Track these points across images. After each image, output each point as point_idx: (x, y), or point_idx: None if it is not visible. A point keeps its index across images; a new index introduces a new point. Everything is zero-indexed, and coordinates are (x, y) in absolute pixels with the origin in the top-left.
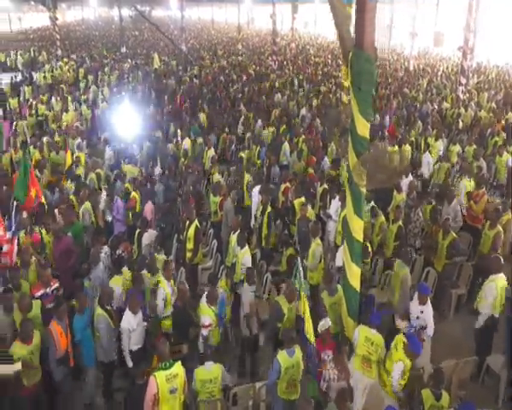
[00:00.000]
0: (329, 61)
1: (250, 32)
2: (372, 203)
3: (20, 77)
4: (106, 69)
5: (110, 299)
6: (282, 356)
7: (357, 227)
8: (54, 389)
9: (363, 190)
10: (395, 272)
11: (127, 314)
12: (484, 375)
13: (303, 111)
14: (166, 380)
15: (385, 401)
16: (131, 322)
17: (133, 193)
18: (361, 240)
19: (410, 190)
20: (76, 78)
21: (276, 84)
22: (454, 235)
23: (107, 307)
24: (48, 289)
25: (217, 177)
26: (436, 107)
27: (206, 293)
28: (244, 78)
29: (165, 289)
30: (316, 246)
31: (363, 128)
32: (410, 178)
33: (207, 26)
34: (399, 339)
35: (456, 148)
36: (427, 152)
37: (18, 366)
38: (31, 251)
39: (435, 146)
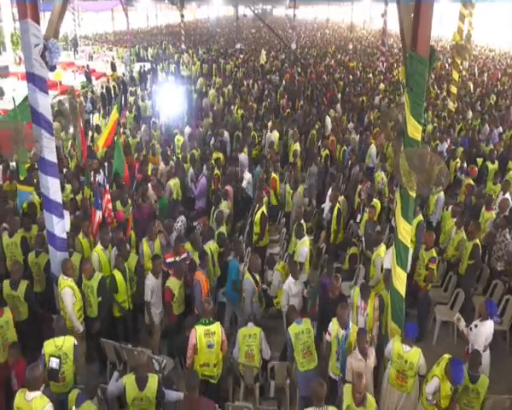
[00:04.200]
0: (447, 66)
1: (364, 32)
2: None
3: (148, 67)
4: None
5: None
6: (291, 327)
7: (405, 231)
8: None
9: (413, 193)
10: None
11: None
12: None
13: (400, 115)
14: (205, 334)
15: None
16: None
17: (217, 171)
18: (408, 244)
19: (500, 210)
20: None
21: (382, 86)
22: None
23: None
24: (177, 258)
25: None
26: None
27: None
28: (350, 77)
29: None
30: (376, 256)
31: (413, 130)
32: (506, 196)
33: (323, 25)
34: (446, 357)
35: None
36: None
37: None
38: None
39: None
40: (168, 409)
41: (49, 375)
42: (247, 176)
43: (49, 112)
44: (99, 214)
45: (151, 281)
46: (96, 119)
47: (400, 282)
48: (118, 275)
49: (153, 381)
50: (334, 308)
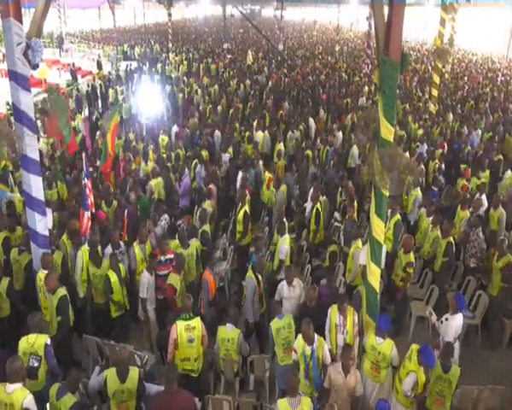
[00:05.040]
0: (430, 69)
1: (351, 34)
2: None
3: (135, 65)
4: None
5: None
6: (273, 322)
7: (378, 228)
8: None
9: (386, 192)
10: None
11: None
12: None
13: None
14: (185, 329)
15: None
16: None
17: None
18: (381, 241)
19: (474, 209)
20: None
21: (366, 89)
22: (510, 258)
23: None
24: (163, 258)
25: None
26: None
27: None
28: (336, 79)
29: None
30: (355, 249)
31: (386, 132)
32: (481, 196)
33: (311, 27)
34: (414, 349)
35: None
36: (509, 170)
37: None
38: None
39: None
40: (149, 402)
41: (28, 373)
42: (240, 176)
43: (31, 110)
44: (87, 215)
45: (146, 278)
46: (77, 120)
47: (375, 278)
48: (113, 276)
49: (134, 373)
50: (312, 318)
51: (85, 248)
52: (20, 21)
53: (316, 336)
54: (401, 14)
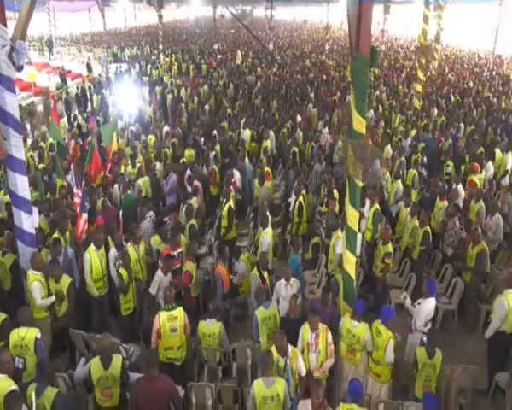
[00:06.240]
0: (417, 65)
1: (341, 33)
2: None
3: (125, 67)
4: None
5: None
6: (258, 311)
7: (353, 217)
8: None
9: (359, 182)
10: None
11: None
12: (495, 391)
13: (370, 113)
14: (168, 319)
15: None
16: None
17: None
18: (356, 229)
19: (451, 199)
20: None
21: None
22: (484, 245)
23: None
24: (175, 253)
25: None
26: None
27: None
28: (324, 77)
29: None
30: (335, 239)
31: (358, 124)
32: (457, 187)
33: (301, 26)
34: (377, 324)
35: None
36: (490, 162)
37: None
38: None
39: (503, 159)
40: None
41: (13, 373)
42: (237, 175)
43: (16, 111)
44: (85, 217)
45: (159, 276)
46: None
47: (350, 265)
48: (124, 273)
49: (117, 360)
50: (293, 329)
51: (92, 248)
52: (5, 24)
53: (290, 347)
54: (369, 12)
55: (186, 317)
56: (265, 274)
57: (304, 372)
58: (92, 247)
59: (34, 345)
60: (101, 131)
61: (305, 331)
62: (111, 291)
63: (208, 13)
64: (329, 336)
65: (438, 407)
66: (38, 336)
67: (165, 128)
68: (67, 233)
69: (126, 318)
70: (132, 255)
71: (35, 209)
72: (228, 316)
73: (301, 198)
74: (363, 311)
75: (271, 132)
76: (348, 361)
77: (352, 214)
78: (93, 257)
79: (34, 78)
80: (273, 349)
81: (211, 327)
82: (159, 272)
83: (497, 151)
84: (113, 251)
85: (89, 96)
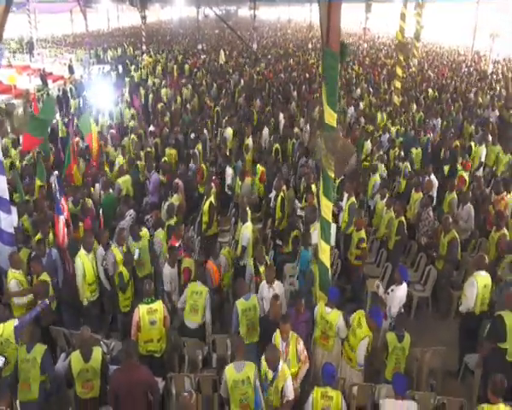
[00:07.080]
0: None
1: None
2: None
3: (107, 69)
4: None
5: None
6: (239, 302)
7: (327, 208)
8: None
9: (331, 174)
10: None
11: None
12: (464, 372)
13: (351, 110)
14: (147, 312)
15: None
16: None
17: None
18: (330, 220)
19: (425, 190)
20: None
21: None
22: (455, 234)
23: None
24: (180, 242)
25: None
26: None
27: None
28: (307, 75)
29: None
30: (313, 231)
31: (329, 117)
32: (430, 178)
33: (285, 26)
34: (361, 314)
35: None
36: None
37: None
38: None
39: (477, 151)
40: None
41: None
42: (229, 171)
43: None
44: (62, 220)
45: (168, 270)
46: None
47: (325, 255)
48: (125, 272)
49: (97, 353)
50: (268, 332)
51: (82, 252)
52: None
53: (281, 364)
54: (338, 9)
55: (165, 309)
56: (261, 268)
57: (291, 397)
58: (83, 251)
59: (14, 335)
60: (79, 126)
61: (277, 339)
62: (101, 295)
63: (192, 13)
64: (300, 346)
65: (406, 386)
66: (16, 323)
67: (151, 128)
68: (51, 234)
69: (125, 314)
70: (119, 257)
71: (14, 209)
72: (217, 311)
73: (282, 193)
74: (337, 298)
75: (266, 130)
76: (322, 347)
77: (325, 205)
78: (85, 262)
79: (15, 80)
80: (262, 360)
81: (200, 287)
82: (166, 266)
83: (472, 144)
84: (99, 251)
85: (70, 97)
